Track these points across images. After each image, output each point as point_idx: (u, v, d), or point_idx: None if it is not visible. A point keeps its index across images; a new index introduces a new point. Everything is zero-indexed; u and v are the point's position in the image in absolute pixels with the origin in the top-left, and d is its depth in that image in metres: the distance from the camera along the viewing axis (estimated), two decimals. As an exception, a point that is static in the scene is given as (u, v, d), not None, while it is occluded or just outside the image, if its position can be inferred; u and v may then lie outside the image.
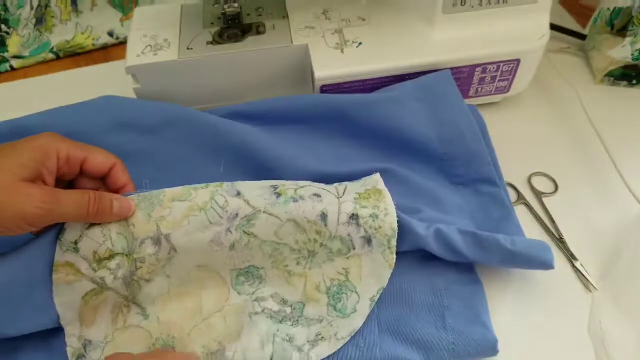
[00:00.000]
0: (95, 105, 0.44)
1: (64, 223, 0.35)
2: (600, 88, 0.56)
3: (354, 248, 0.37)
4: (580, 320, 0.39)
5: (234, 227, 0.36)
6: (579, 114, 0.51)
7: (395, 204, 0.38)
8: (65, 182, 0.37)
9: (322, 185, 0.39)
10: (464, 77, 0.49)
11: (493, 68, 0.49)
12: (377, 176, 0.40)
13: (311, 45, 0.48)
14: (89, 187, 0.37)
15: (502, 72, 0.49)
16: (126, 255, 0.36)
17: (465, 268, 0.40)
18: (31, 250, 0.35)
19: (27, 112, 0.44)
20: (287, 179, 0.40)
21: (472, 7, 0.48)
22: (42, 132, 0.35)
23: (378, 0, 0.52)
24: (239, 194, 0.37)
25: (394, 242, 0.37)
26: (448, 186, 0.44)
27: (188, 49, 0.48)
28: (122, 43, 0.64)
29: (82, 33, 0.64)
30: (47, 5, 0.63)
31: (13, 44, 0.62)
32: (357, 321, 0.36)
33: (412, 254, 0.39)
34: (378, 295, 0.37)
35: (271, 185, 0.38)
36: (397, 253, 0.37)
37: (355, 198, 0.37)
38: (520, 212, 0.44)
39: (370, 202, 0.37)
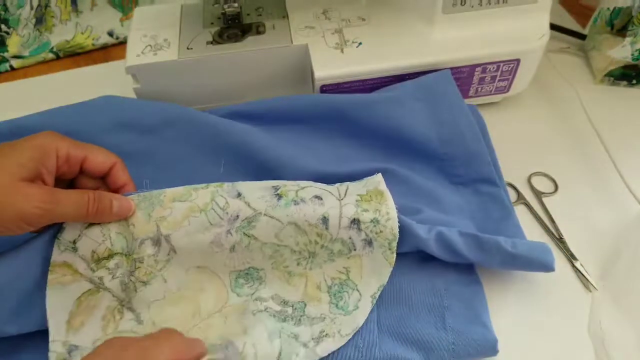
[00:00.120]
0: (95, 105, 0.44)
1: (63, 222, 0.35)
2: (600, 88, 0.56)
3: (355, 249, 0.37)
4: (580, 320, 0.39)
5: (234, 229, 0.36)
6: (579, 114, 0.51)
7: (396, 205, 0.38)
8: (66, 181, 0.37)
9: (323, 186, 0.39)
10: (464, 77, 0.49)
11: (493, 68, 0.49)
12: (379, 177, 0.40)
13: (311, 45, 0.48)
14: (90, 186, 0.37)
15: (502, 72, 0.49)
16: (125, 255, 0.35)
17: (466, 268, 0.40)
18: (30, 249, 0.35)
19: (27, 112, 0.44)
20: (287, 179, 0.40)
21: (472, 7, 0.48)
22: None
23: (378, 0, 0.52)
24: (239, 195, 0.37)
25: (394, 244, 0.37)
26: (448, 186, 0.44)
27: (188, 49, 0.48)
28: (122, 43, 0.64)
29: (82, 33, 0.64)
30: (47, 5, 0.63)
31: (13, 44, 0.62)
32: (359, 318, 0.36)
33: (412, 254, 0.39)
34: (379, 293, 0.37)
35: (272, 187, 0.38)
36: (397, 254, 0.37)
37: (356, 200, 0.37)
38: (520, 212, 0.44)
39: (371, 205, 0.37)
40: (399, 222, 0.37)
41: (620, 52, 0.53)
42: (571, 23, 0.63)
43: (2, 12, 0.61)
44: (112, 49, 0.65)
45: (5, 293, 0.34)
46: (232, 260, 0.37)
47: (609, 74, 0.55)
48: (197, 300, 0.37)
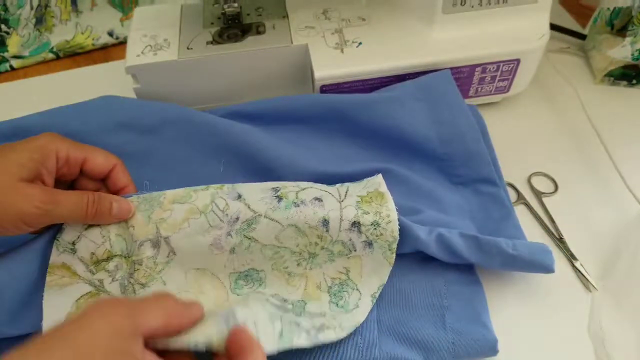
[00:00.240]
0: (95, 105, 0.44)
1: (62, 224, 0.35)
2: (600, 88, 0.56)
3: (355, 250, 0.37)
4: (580, 320, 0.39)
5: (234, 231, 0.36)
6: (579, 114, 0.50)
7: (396, 207, 0.38)
8: (66, 183, 0.37)
9: (323, 187, 0.39)
10: (464, 77, 0.49)
11: (493, 68, 0.49)
12: (379, 178, 0.40)
13: (311, 45, 0.48)
14: (90, 188, 0.37)
15: (502, 72, 0.49)
16: (125, 257, 0.35)
17: (465, 269, 0.40)
18: (29, 250, 0.35)
19: (27, 112, 0.44)
20: (287, 179, 0.40)
21: (472, 7, 0.48)
22: (42, 132, 0.35)
23: (378, 0, 0.52)
24: (239, 197, 0.37)
25: (394, 245, 0.37)
26: (448, 186, 0.44)
27: (188, 49, 0.48)
28: (122, 43, 0.64)
29: (82, 33, 0.64)
30: (47, 5, 0.63)
31: (13, 44, 0.62)
32: (359, 317, 0.36)
33: (412, 255, 0.39)
34: (379, 292, 0.37)
35: (272, 188, 0.38)
36: (397, 254, 0.37)
37: (357, 202, 0.37)
38: (520, 212, 0.44)
39: (372, 207, 0.37)
40: (399, 223, 0.37)
41: (620, 52, 0.53)
42: (571, 23, 0.63)
43: (2, 12, 0.61)
44: (112, 49, 0.65)
45: (3, 294, 0.33)
46: (232, 262, 0.37)
47: (609, 74, 0.55)
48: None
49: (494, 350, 0.36)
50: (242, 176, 0.43)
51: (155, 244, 0.35)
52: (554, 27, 0.57)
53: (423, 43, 0.49)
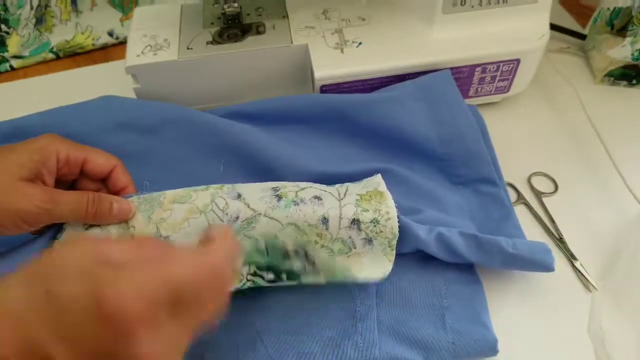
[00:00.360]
0: (95, 105, 0.44)
1: (63, 224, 0.35)
2: (600, 88, 0.56)
3: (354, 247, 0.37)
4: (580, 320, 0.39)
5: (234, 230, 0.36)
6: (579, 113, 0.50)
7: (396, 205, 0.38)
8: (67, 183, 0.37)
9: (323, 186, 0.39)
10: (464, 77, 0.49)
11: (493, 68, 0.49)
12: (378, 177, 0.40)
13: (311, 45, 0.48)
14: (90, 188, 0.37)
15: (502, 72, 0.49)
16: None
17: (465, 268, 0.40)
18: (30, 250, 0.35)
19: (27, 112, 0.44)
20: (287, 179, 0.40)
21: (472, 7, 0.48)
22: (42, 132, 0.35)
23: (378, 0, 0.52)
24: (239, 196, 0.37)
25: (394, 242, 0.37)
26: (448, 186, 0.44)
27: (188, 49, 0.48)
28: (122, 43, 0.64)
29: (82, 33, 0.64)
30: (47, 5, 0.63)
31: (13, 44, 0.62)
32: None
33: (412, 254, 0.39)
34: (379, 281, 0.37)
35: (272, 188, 0.38)
36: (397, 254, 0.37)
37: (356, 200, 0.37)
38: (520, 212, 0.44)
39: (371, 204, 0.37)
40: (399, 222, 0.37)
41: (620, 52, 0.53)
42: (571, 23, 0.63)
43: (2, 12, 0.61)
44: (112, 49, 0.65)
45: None
46: None
47: (609, 74, 0.55)
48: None
49: (494, 350, 0.36)
50: (242, 176, 0.43)
51: (156, 244, 0.35)
52: (554, 27, 0.57)
53: (423, 43, 0.49)
